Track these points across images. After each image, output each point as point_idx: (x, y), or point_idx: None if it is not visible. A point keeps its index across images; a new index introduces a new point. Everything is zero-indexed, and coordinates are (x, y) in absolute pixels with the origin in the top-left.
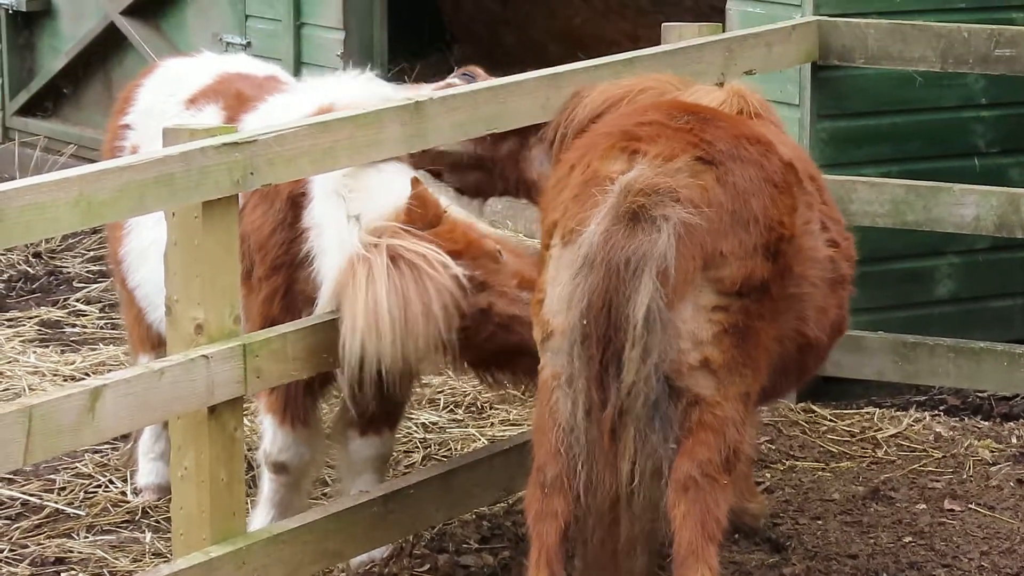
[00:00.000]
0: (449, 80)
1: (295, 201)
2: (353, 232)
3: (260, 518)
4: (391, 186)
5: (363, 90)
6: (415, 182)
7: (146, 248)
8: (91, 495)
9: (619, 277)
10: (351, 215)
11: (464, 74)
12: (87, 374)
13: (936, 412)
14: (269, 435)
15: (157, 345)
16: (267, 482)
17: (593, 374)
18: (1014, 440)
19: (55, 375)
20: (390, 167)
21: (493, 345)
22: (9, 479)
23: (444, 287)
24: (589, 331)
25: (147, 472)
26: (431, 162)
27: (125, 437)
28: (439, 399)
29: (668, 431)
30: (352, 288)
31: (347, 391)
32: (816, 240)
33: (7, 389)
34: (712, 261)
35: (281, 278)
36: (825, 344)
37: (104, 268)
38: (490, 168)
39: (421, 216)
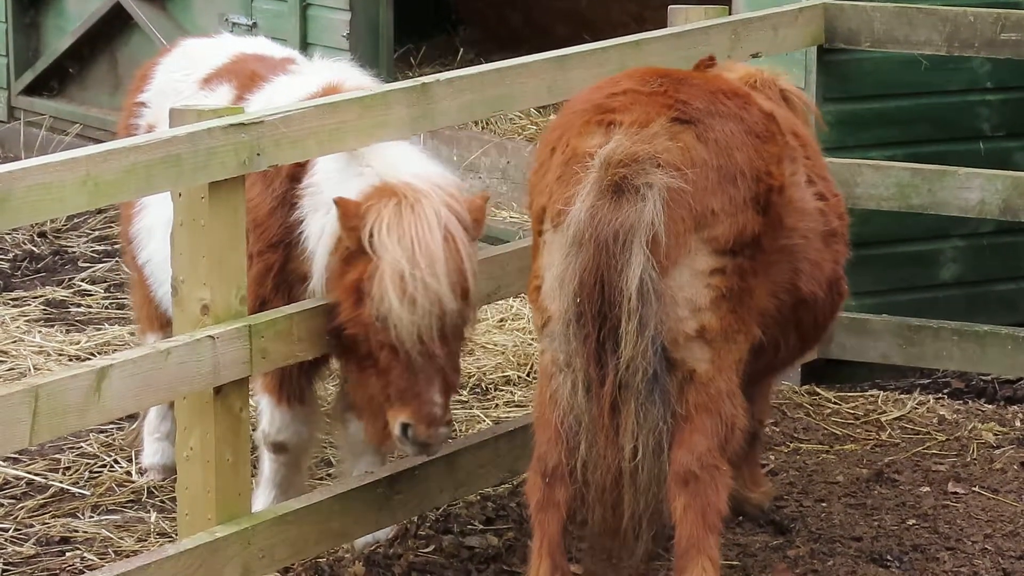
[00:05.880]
0: None
1: (294, 176)
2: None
3: (262, 498)
4: (407, 154)
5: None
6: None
7: (153, 225)
8: (96, 475)
9: (609, 252)
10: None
11: None
12: (92, 354)
13: (940, 395)
14: (267, 415)
15: (165, 324)
16: (267, 462)
17: (591, 352)
18: (1018, 423)
19: (60, 355)
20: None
21: None
22: (14, 458)
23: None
24: (583, 309)
25: (152, 452)
26: None
27: (131, 417)
28: None
29: (668, 405)
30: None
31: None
32: (803, 192)
33: (12, 369)
34: (703, 221)
35: (277, 255)
36: (823, 300)
37: (109, 248)
38: None
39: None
